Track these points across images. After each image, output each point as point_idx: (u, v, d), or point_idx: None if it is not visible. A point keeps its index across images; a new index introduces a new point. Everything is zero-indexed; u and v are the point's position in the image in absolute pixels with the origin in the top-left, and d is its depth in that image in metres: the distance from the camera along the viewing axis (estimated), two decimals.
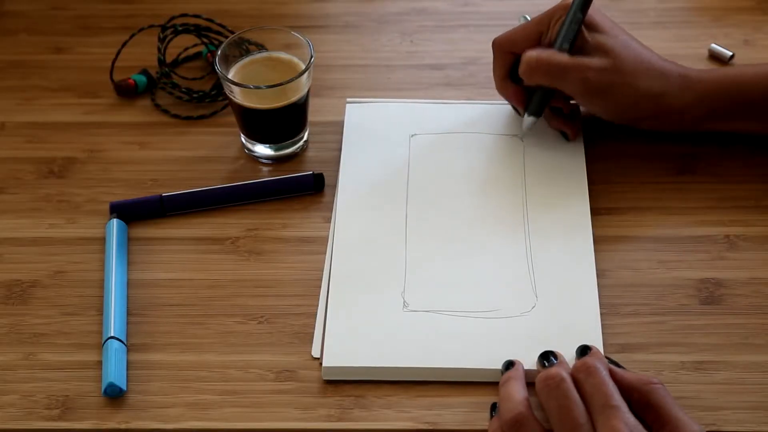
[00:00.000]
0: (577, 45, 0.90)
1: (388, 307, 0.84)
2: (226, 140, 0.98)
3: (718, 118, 0.91)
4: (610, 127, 0.95)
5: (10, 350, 0.84)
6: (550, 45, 0.90)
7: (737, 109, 0.90)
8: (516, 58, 0.92)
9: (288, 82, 0.91)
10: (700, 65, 1.02)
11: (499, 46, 0.93)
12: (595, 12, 0.91)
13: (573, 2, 0.90)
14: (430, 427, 0.78)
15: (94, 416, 0.80)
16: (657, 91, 0.90)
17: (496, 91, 0.97)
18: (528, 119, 0.92)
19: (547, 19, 0.91)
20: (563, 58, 0.89)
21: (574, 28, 0.89)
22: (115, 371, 0.80)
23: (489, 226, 0.89)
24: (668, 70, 0.91)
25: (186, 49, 1.05)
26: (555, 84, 0.90)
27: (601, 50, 0.89)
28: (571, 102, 0.94)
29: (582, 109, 0.96)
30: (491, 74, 0.94)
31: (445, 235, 0.89)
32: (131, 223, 0.91)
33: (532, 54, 0.89)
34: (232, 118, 0.96)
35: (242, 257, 0.89)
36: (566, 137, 0.94)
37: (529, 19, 0.96)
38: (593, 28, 0.90)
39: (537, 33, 0.92)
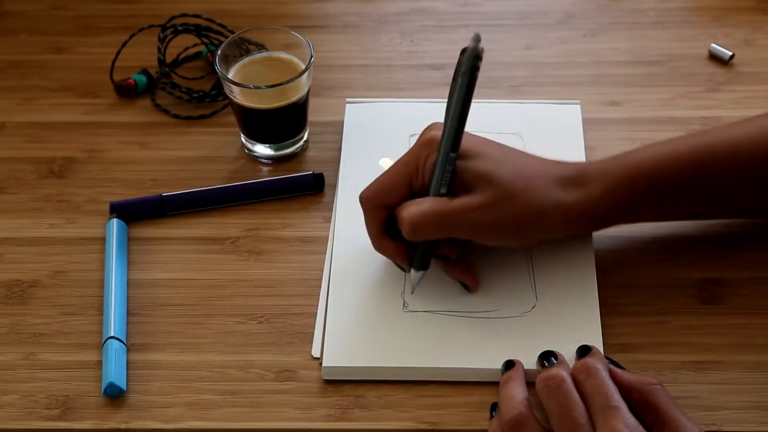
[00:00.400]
0: (455, 181, 0.79)
1: (387, 307, 0.84)
2: (226, 140, 0.98)
3: (632, 211, 0.82)
4: (611, 128, 0.95)
5: (10, 350, 0.84)
6: (423, 190, 0.80)
7: (649, 199, 0.81)
8: (389, 211, 0.82)
9: (288, 82, 0.91)
10: (700, 65, 1.02)
11: (367, 201, 0.82)
12: (463, 139, 0.79)
13: (441, 143, 0.79)
14: (430, 427, 0.78)
15: (94, 416, 0.80)
16: (558, 199, 0.79)
17: (496, 91, 0.97)
18: (415, 275, 0.82)
19: (413, 160, 0.81)
20: (445, 205, 0.78)
21: (449, 169, 0.79)
22: (115, 371, 0.80)
23: None
24: (563, 174, 0.80)
25: (186, 49, 1.05)
26: (444, 235, 0.80)
27: (483, 179, 0.79)
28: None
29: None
30: (491, 74, 0.94)
31: None
32: (131, 223, 0.91)
33: (411, 211, 0.79)
34: (232, 118, 0.97)
35: (242, 257, 0.89)
36: (467, 288, 0.84)
37: (390, 161, 0.87)
38: (466, 155, 0.79)
39: (406, 179, 0.81)
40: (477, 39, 0.77)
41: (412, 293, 0.84)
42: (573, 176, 0.80)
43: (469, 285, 0.84)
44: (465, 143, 0.80)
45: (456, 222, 0.79)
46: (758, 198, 0.83)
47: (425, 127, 0.83)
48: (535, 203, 0.79)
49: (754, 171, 0.81)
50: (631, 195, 0.80)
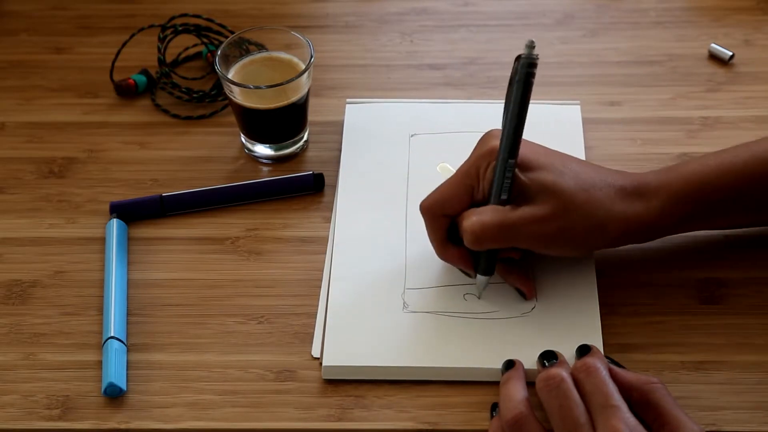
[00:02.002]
0: (515, 191, 0.80)
1: (388, 308, 0.84)
2: (226, 140, 0.98)
3: (687, 222, 0.82)
4: (610, 128, 0.95)
5: (10, 350, 0.83)
6: (485, 199, 0.81)
7: (708, 210, 0.82)
8: (452, 219, 0.82)
9: (288, 82, 0.91)
10: (700, 65, 1.02)
11: (429, 210, 0.82)
12: (523, 146, 0.80)
13: (500, 150, 0.79)
14: (430, 427, 0.78)
15: (94, 416, 0.80)
16: (618, 212, 0.80)
17: (496, 91, 0.97)
18: (481, 280, 0.83)
19: (474, 170, 0.81)
20: (507, 215, 0.79)
21: (509, 176, 0.79)
22: (115, 371, 0.80)
23: None
24: (624, 185, 0.81)
25: (186, 49, 1.05)
26: (506, 245, 0.80)
27: (545, 191, 0.79)
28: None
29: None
30: (491, 74, 0.94)
31: None
32: (131, 223, 0.91)
33: (473, 221, 0.79)
34: (232, 118, 0.97)
35: (242, 257, 0.89)
36: (523, 295, 0.84)
37: (450, 168, 0.89)
38: (527, 166, 0.80)
39: (467, 188, 0.81)
40: (531, 46, 0.77)
41: (479, 298, 0.84)
42: (633, 188, 0.81)
43: (525, 293, 0.84)
44: (525, 153, 0.80)
45: (517, 233, 0.79)
46: None
47: (483, 134, 0.83)
48: (597, 215, 0.79)
49: None
50: (688, 208, 0.81)
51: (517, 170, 0.79)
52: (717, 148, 0.94)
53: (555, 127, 0.95)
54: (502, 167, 0.79)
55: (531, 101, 0.86)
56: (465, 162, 0.82)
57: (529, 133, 0.95)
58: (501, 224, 0.79)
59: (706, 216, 0.82)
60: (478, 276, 0.83)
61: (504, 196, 0.79)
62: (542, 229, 0.79)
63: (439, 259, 0.85)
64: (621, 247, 0.87)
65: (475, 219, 0.79)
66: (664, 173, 0.82)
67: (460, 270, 0.85)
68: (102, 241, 0.90)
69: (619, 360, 0.79)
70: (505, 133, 0.79)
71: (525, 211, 0.79)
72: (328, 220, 0.91)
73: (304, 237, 0.90)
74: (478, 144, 0.82)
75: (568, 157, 0.82)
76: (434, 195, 0.82)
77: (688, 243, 0.88)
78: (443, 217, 0.82)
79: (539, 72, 0.78)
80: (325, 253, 0.88)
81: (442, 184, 0.83)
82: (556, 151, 0.83)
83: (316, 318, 0.84)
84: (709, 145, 0.94)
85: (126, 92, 1.01)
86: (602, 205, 0.79)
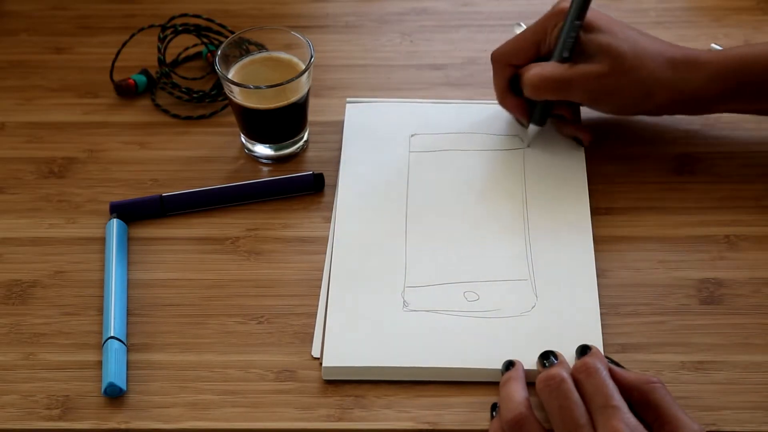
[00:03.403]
0: (576, 49, 0.89)
1: (388, 307, 0.84)
2: (226, 140, 0.98)
3: (729, 99, 0.89)
4: (610, 127, 0.95)
5: (10, 350, 0.84)
6: (549, 54, 0.90)
7: (747, 89, 0.89)
8: (516, 70, 0.91)
9: (288, 82, 0.91)
10: None
11: (497, 59, 0.92)
12: (590, 11, 0.89)
13: (570, 9, 0.88)
14: (430, 427, 0.78)
15: (94, 416, 0.80)
16: (666, 79, 0.88)
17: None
18: (533, 129, 0.92)
19: (542, 27, 0.90)
20: (565, 71, 0.88)
21: (572, 36, 0.88)
22: (115, 371, 0.80)
23: (489, 225, 0.89)
24: (674, 56, 0.89)
25: (186, 49, 1.05)
26: (561, 97, 0.90)
27: (602, 51, 0.88)
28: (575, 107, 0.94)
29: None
30: (491, 74, 0.94)
31: (444, 235, 0.89)
32: (131, 223, 0.91)
33: (534, 72, 0.89)
34: (232, 118, 0.97)
35: (242, 257, 0.89)
36: (580, 143, 0.93)
37: (523, 26, 0.96)
38: (590, 28, 0.89)
39: (534, 43, 0.91)
40: None
41: (528, 146, 0.94)
42: (683, 60, 0.88)
43: (582, 138, 0.93)
44: (592, 17, 0.89)
45: (572, 86, 0.88)
46: None
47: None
48: (645, 80, 0.88)
49: None
50: (732, 84, 0.88)
51: (581, 31, 0.88)
52: (718, 149, 0.94)
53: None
54: (569, 27, 0.88)
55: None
56: (537, 21, 0.91)
57: (528, 133, 0.95)
58: (558, 77, 0.88)
59: (749, 95, 0.89)
60: (531, 126, 0.92)
61: (566, 54, 0.88)
62: (594, 86, 0.88)
63: (438, 257, 0.86)
64: (621, 248, 0.87)
65: (536, 70, 0.89)
66: (715, 52, 0.90)
67: (516, 119, 0.95)
68: (102, 241, 0.90)
69: (619, 360, 0.79)
70: None
71: (581, 68, 0.88)
72: (328, 220, 0.91)
73: (304, 237, 0.90)
74: (553, 7, 0.90)
75: (630, 27, 0.90)
76: (504, 45, 0.92)
77: (688, 243, 0.88)
78: (509, 66, 0.92)
79: None
80: (325, 253, 0.88)
81: (512, 37, 0.92)
82: (621, 21, 0.91)
83: (316, 318, 0.84)
84: (709, 142, 0.94)
85: (126, 92, 1.01)
86: (651, 71, 0.88)
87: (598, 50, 0.88)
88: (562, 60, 0.89)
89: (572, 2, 0.88)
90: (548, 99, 0.90)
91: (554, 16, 0.90)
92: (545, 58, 0.90)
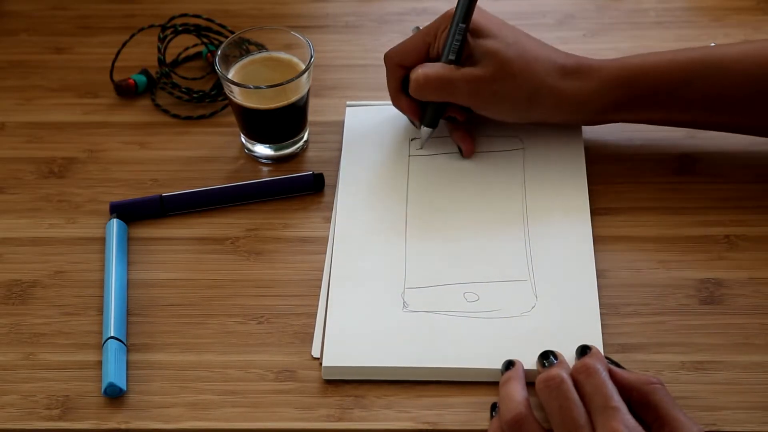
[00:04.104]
0: (465, 53, 0.89)
1: (387, 307, 0.84)
2: (226, 140, 0.98)
3: (620, 108, 0.89)
4: (610, 128, 0.95)
5: (10, 350, 0.84)
6: (438, 56, 0.90)
7: (638, 99, 0.88)
8: (407, 71, 0.91)
9: (288, 82, 0.91)
10: None
11: (389, 59, 0.92)
12: (480, 16, 0.89)
13: (455, 13, 0.88)
14: (430, 427, 0.78)
15: (94, 416, 0.80)
16: (554, 86, 0.88)
17: None
18: (425, 131, 0.92)
19: (433, 30, 0.90)
20: (449, 72, 0.88)
21: (458, 39, 0.88)
22: (115, 371, 0.80)
23: (489, 225, 0.89)
24: (565, 64, 0.88)
25: (186, 49, 1.05)
26: (446, 98, 0.90)
27: (488, 56, 0.87)
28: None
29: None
30: None
31: (444, 235, 0.89)
32: (131, 223, 0.91)
33: (418, 72, 0.89)
34: (232, 118, 0.97)
35: (242, 257, 0.89)
36: (461, 152, 0.93)
37: (420, 29, 0.94)
38: (479, 33, 0.89)
39: (425, 45, 0.91)
40: None
41: (420, 148, 0.94)
42: (573, 67, 0.88)
43: (464, 149, 0.93)
44: (482, 22, 0.89)
45: (455, 87, 0.88)
46: (746, 113, 0.88)
47: None
48: (532, 85, 0.88)
49: (745, 87, 0.87)
50: (624, 93, 0.88)
51: (469, 35, 0.89)
52: (717, 145, 0.94)
53: (554, 128, 0.95)
54: (455, 30, 0.88)
55: None
56: (431, 23, 0.91)
57: (529, 134, 0.95)
58: (442, 78, 0.88)
59: (639, 105, 0.88)
60: (422, 127, 0.92)
61: (452, 57, 0.89)
62: (479, 89, 0.88)
63: (438, 258, 0.86)
64: (621, 248, 0.87)
65: (421, 71, 0.89)
66: (607, 61, 0.89)
67: (409, 120, 0.94)
68: (102, 241, 0.90)
69: (619, 360, 0.79)
70: (461, 1, 0.88)
71: (465, 71, 0.88)
72: (328, 220, 0.91)
73: (304, 237, 0.90)
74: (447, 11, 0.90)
75: (521, 33, 0.90)
76: (397, 46, 0.92)
77: (688, 243, 0.88)
78: (400, 67, 0.92)
79: None
80: (325, 253, 0.88)
81: (405, 39, 0.92)
82: (512, 26, 0.91)
83: (316, 318, 0.84)
84: (709, 142, 0.94)
85: (126, 92, 1.01)
86: (538, 76, 0.88)
87: (484, 55, 0.88)
88: (449, 63, 0.89)
89: (457, 5, 0.88)
90: (433, 100, 0.90)
91: (444, 20, 0.90)
92: (435, 60, 0.90)
